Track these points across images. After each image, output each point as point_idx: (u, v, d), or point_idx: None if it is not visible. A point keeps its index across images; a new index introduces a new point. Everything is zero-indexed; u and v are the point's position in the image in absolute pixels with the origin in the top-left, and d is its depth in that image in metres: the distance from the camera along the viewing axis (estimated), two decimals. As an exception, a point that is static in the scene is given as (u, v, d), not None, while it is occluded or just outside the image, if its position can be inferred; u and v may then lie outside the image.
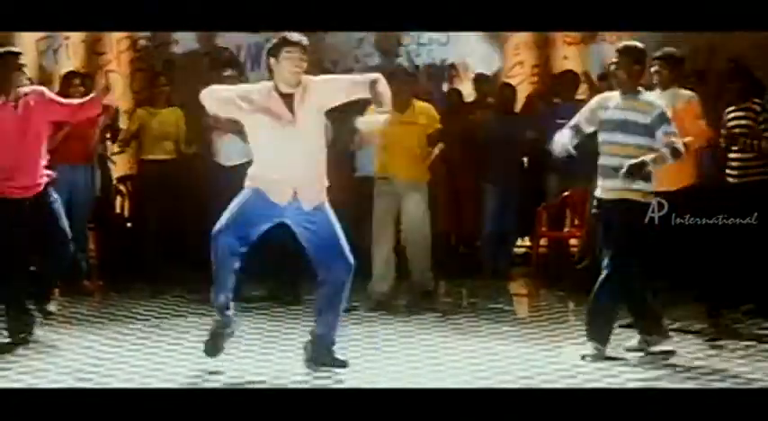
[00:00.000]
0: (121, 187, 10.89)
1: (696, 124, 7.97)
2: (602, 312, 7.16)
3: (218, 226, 6.73)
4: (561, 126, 7.38)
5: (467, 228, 10.88)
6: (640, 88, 7.14)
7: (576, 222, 10.27)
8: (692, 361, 7.16)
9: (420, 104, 8.87)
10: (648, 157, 6.89)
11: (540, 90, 11.35)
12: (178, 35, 11.40)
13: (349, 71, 10.76)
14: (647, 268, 7.84)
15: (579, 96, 10.14)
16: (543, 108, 10.66)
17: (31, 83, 7.86)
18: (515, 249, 10.85)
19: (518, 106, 10.81)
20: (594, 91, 9.36)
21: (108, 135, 10.23)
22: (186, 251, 10.17)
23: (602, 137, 7.12)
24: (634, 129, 7.00)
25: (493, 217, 10.40)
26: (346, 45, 11.39)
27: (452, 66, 11.56)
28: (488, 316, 8.67)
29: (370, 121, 6.95)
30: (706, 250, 8.93)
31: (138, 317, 8.51)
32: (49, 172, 7.41)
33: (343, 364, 6.84)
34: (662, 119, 7.02)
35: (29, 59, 8.62)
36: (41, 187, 7.34)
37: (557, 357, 7.20)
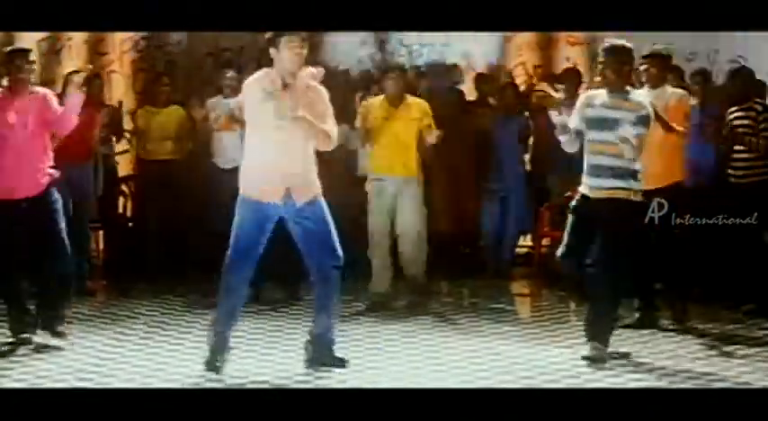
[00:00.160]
0: (123, 187, 10.89)
1: (684, 124, 7.99)
2: (602, 312, 7.17)
3: (226, 261, 6.76)
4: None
5: (468, 228, 10.87)
6: (628, 87, 7.14)
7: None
8: (693, 361, 7.18)
9: (412, 99, 8.87)
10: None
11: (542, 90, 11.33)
12: (180, 35, 11.40)
13: (347, 69, 10.83)
14: (644, 268, 7.87)
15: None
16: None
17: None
18: (517, 249, 10.84)
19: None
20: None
21: (111, 135, 10.23)
22: (188, 251, 10.18)
23: (589, 135, 7.10)
24: (616, 126, 6.96)
25: (495, 217, 10.40)
26: (348, 45, 11.39)
27: (455, 66, 11.53)
28: (490, 316, 8.67)
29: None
30: (707, 250, 8.95)
31: (140, 317, 8.51)
32: (51, 171, 7.40)
33: (343, 364, 6.86)
34: (643, 120, 7.03)
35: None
36: (43, 187, 7.33)
37: (558, 357, 7.20)
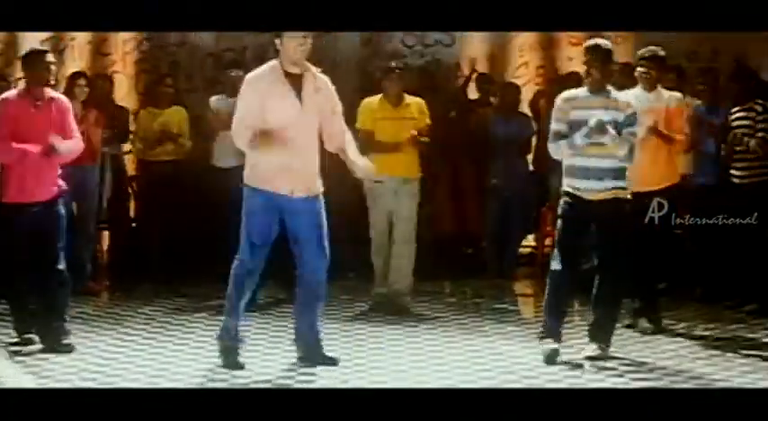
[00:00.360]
0: (127, 188, 10.90)
1: (684, 130, 8.00)
2: (606, 314, 7.18)
3: (237, 257, 6.85)
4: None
5: (471, 229, 10.88)
6: (609, 87, 7.12)
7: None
8: (694, 361, 7.19)
9: (411, 99, 8.86)
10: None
11: (545, 91, 11.35)
12: (182, 36, 11.40)
13: (352, 72, 10.84)
14: (647, 268, 7.87)
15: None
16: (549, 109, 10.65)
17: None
18: (520, 249, 10.84)
19: (522, 106, 10.81)
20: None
21: (117, 136, 10.24)
22: (190, 251, 10.19)
23: (576, 137, 7.01)
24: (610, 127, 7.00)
25: (497, 217, 10.40)
26: (350, 45, 11.39)
27: (457, 66, 11.55)
28: (493, 316, 8.69)
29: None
30: (708, 250, 8.96)
31: (144, 316, 8.53)
32: (61, 182, 7.40)
33: (333, 362, 6.88)
34: (632, 119, 7.04)
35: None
36: (53, 194, 7.33)
37: (560, 357, 7.20)
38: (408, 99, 8.82)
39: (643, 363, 7.09)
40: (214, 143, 9.69)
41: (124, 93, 11.18)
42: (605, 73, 7.06)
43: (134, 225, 10.72)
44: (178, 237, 10.21)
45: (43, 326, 7.35)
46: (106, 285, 9.98)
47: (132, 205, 10.83)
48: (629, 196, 7.14)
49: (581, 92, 7.11)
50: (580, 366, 6.99)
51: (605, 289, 7.12)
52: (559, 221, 7.19)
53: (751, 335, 7.96)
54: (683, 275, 9.15)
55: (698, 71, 9.81)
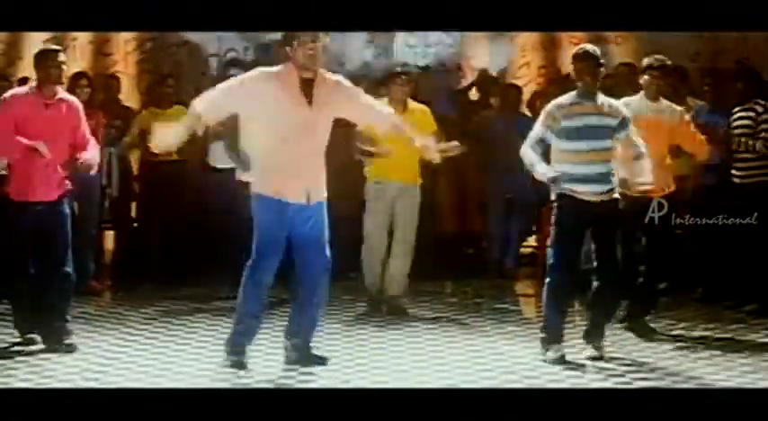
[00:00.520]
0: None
1: (698, 136, 8.01)
2: (605, 318, 7.20)
3: (252, 256, 6.79)
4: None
5: (472, 229, 10.89)
6: (598, 93, 7.10)
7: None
8: (695, 361, 7.21)
9: (415, 105, 8.83)
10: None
11: (541, 92, 11.36)
12: (183, 36, 11.42)
13: (353, 72, 10.84)
14: (649, 268, 7.89)
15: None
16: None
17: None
18: (521, 249, 10.85)
19: (523, 106, 10.82)
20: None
21: (121, 136, 10.25)
22: (192, 251, 10.20)
23: (571, 145, 7.02)
24: (603, 133, 7.01)
25: (498, 217, 10.41)
26: (352, 46, 11.41)
27: (458, 66, 11.56)
28: (494, 316, 8.70)
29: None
30: (709, 250, 8.97)
31: (146, 316, 8.54)
32: (67, 182, 7.39)
33: (322, 362, 6.89)
34: (626, 122, 7.06)
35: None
36: (59, 195, 7.34)
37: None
38: (413, 105, 8.80)
39: (644, 363, 7.10)
40: (212, 143, 9.70)
41: (126, 93, 11.18)
42: (597, 79, 7.07)
43: (135, 225, 10.72)
44: (180, 237, 10.22)
45: (45, 325, 7.36)
46: (108, 285, 9.99)
47: (131, 206, 10.83)
48: (636, 194, 7.25)
49: (572, 98, 7.09)
50: (582, 366, 7.00)
51: (610, 292, 7.13)
52: (556, 225, 7.13)
53: (751, 336, 7.97)
54: (684, 275, 9.15)
55: (701, 72, 9.81)
